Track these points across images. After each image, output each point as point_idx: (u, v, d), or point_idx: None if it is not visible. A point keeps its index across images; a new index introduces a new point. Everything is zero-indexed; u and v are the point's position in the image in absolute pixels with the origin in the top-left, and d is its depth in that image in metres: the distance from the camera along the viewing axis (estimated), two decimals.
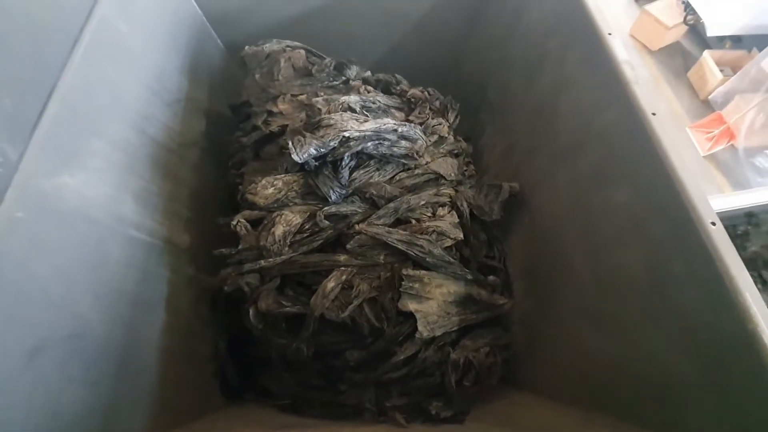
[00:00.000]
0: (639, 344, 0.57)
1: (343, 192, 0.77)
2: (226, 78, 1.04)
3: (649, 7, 2.15)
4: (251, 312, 0.71)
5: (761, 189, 1.21)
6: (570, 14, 0.74)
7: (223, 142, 0.94)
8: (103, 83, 0.65)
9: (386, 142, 0.79)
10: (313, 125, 0.78)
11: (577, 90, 0.73)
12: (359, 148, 0.76)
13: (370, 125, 0.79)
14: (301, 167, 0.77)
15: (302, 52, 0.99)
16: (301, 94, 0.91)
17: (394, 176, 0.83)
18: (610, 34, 0.66)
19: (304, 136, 0.74)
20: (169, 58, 0.84)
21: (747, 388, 0.43)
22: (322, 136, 0.74)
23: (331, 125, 0.77)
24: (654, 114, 0.57)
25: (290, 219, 0.74)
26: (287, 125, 0.85)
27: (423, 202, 0.80)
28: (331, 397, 0.76)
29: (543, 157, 0.84)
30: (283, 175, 0.78)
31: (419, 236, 0.75)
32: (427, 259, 0.74)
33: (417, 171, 0.85)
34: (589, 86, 0.71)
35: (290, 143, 0.72)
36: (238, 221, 0.76)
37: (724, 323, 0.45)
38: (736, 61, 1.93)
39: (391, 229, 0.75)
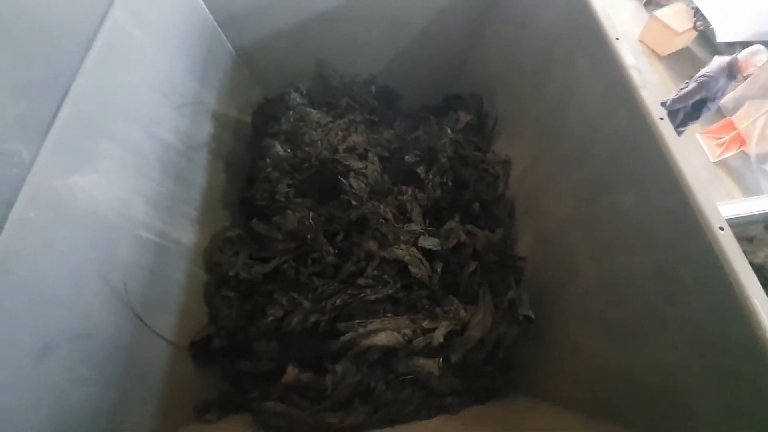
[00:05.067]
0: (645, 350, 0.57)
1: None
2: (236, 81, 1.05)
3: (658, 12, 2.15)
4: None
5: None
6: (578, 20, 0.74)
7: None
8: (115, 86, 0.66)
9: None
10: None
11: (585, 95, 0.73)
12: None
13: None
14: None
15: None
16: None
17: None
18: (617, 39, 0.66)
19: None
20: (180, 61, 0.85)
21: (755, 394, 0.43)
22: None
23: None
24: (662, 119, 0.57)
25: None
26: None
27: None
28: None
29: (550, 161, 0.84)
30: None
31: None
32: None
33: None
34: (596, 91, 0.70)
35: None
36: None
37: (732, 330, 0.45)
38: None
39: None
